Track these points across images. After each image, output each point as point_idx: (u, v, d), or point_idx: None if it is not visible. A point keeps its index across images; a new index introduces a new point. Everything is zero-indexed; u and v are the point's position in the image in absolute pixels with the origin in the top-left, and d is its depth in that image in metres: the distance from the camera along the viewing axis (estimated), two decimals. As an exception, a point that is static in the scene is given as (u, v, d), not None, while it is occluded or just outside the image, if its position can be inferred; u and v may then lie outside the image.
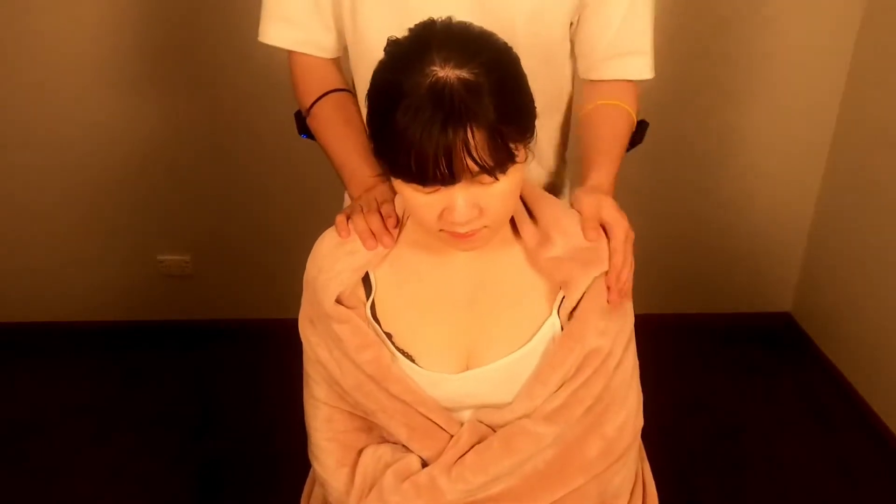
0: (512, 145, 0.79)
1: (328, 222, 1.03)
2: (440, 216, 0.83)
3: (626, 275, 0.94)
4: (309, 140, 1.21)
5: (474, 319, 0.95)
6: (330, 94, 1.16)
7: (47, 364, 2.43)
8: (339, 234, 0.96)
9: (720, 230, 2.44)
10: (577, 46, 1.17)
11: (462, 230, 0.83)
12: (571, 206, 0.99)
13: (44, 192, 2.36)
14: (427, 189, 0.80)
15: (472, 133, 0.76)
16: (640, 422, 1.00)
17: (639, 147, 1.20)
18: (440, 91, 0.76)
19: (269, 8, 1.15)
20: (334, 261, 0.96)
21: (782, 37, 2.18)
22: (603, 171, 1.07)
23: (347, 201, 1.19)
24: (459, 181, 0.78)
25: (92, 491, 1.90)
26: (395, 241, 0.96)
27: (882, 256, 2.08)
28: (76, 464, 1.99)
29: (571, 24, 1.15)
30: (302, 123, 1.21)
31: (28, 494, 1.90)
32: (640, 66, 1.16)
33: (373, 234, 0.95)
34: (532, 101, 0.84)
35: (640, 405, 1.00)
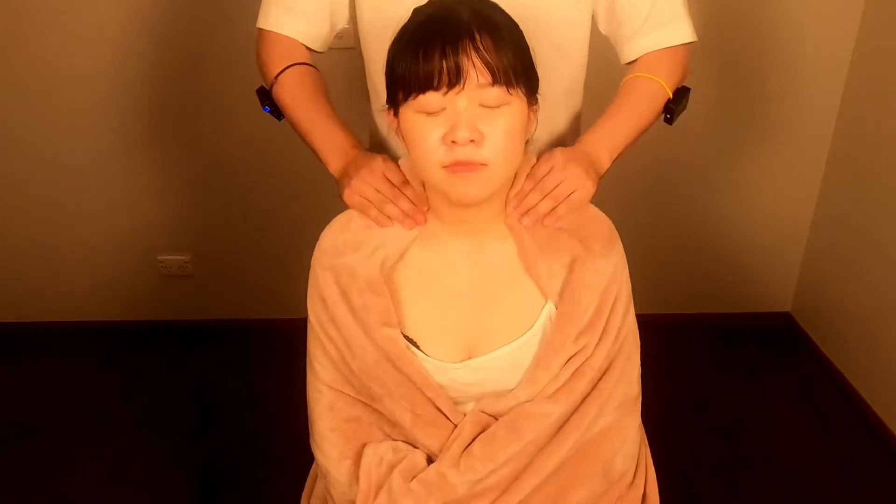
0: (518, 66, 0.85)
1: (326, 223, 1.03)
2: (442, 140, 0.84)
3: (532, 200, 0.97)
4: (273, 118, 1.21)
5: (475, 309, 0.97)
6: (299, 65, 1.17)
7: (47, 364, 2.43)
8: (383, 225, 0.98)
9: (720, 230, 2.45)
10: (614, 31, 1.18)
11: (462, 155, 0.84)
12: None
13: (42, 193, 2.37)
14: (433, 106, 0.83)
15: (481, 37, 0.83)
16: (638, 388, 1.02)
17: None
18: (450, 9, 0.85)
19: None
20: (372, 235, 0.98)
21: (782, 36, 2.18)
22: (598, 132, 1.09)
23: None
24: (465, 84, 0.82)
25: (92, 491, 1.90)
26: (427, 215, 0.98)
27: (882, 256, 2.08)
28: (76, 464, 1.99)
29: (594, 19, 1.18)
30: (264, 97, 1.21)
31: (28, 494, 1.90)
32: (676, 33, 1.14)
33: (407, 215, 0.98)
34: (535, 69, 0.90)
35: (638, 373, 1.02)
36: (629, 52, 1.17)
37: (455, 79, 0.82)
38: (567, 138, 1.24)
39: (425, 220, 0.98)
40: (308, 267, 1.01)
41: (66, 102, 2.24)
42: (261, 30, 1.20)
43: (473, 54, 0.82)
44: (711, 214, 2.42)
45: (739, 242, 2.46)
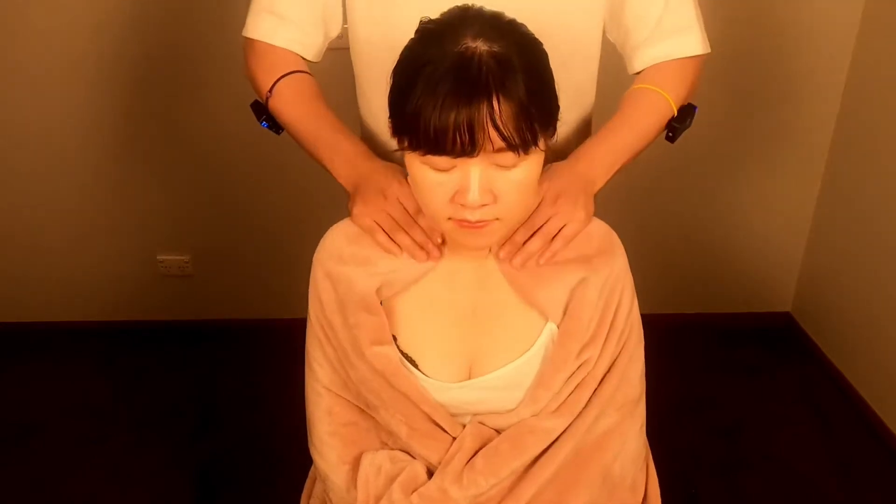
0: (537, 127, 0.77)
1: (326, 222, 1.02)
2: (452, 199, 0.80)
3: (521, 238, 0.93)
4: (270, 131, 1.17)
5: (476, 328, 0.95)
6: (293, 74, 1.11)
7: (47, 364, 2.43)
8: (391, 253, 0.94)
9: (720, 230, 2.45)
10: (621, 39, 1.13)
11: (473, 217, 0.80)
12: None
13: (43, 193, 2.36)
14: (443, 165, 0.77)
15: (499, 103, 0.74)
16: (641, 387, 1.00)
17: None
18: (469, 59, 0.75)
19: (259, 1, 1.13)
20: (384, 257, 0.94)
21: (782, 36, 2.18)
22: (597, 147, 1.04)
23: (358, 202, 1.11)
24: (479, 153, 0.75)
25: (92, 491, 1.90)
26: (441, 248, 0.94)
27: (882, 256, 2.08)
28: (76, 464, 1.99)
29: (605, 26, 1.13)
30: (260, 112, 1.16)
31: (28, 494, 1.90)
32: (686, 43, 1.09)
33: (419, 246, 0.94)
34: (556, 98, 0.82)
35: (641, 371, 1.00)
36: (637, 62, 1.12)
37: (469, 149, 0.74)
38: (573, 142, 1.23)
39: (440, 255, 0.94)
40: (308, 266, 1.00)
41: (65, 102, 2.24)
42: (249, 40, 1.14)
43: (489, 124, 0.74)
44: (711, 214, 2.42)
45: (739, 242, 2.46)
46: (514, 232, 0.93)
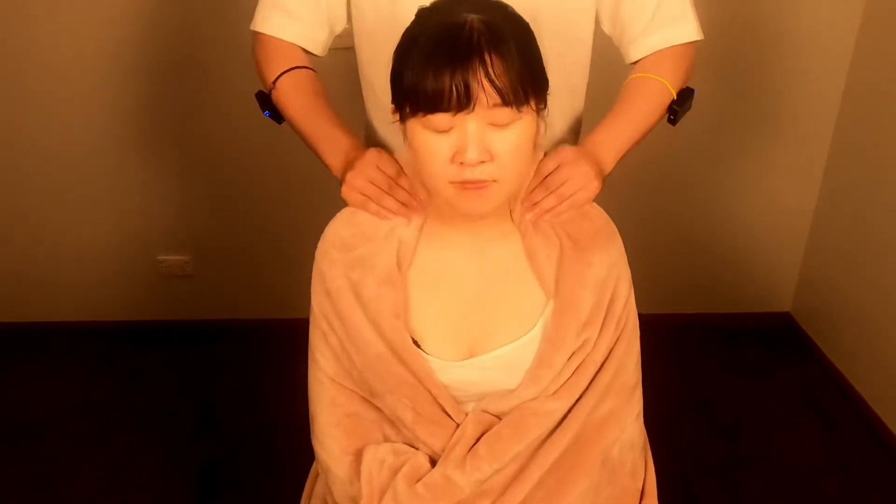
0: (529, 88, 0.82)
1: (326, 223, 1.02)
2: (452, 160, 0.84)
3: (537, 196, 0.98)
4: (272, 121, 1.21)
5: (478, 307, 0.96)
6: (297, 69, 1.16)
7: (47, 364, 2.43)
8: (383, 218, 0.98)
9: (720, 230, 2.45)
10: (618, 31, 1.17)
11: (472, 175, 0.84)
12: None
13: (42, 193, 2.37)
14: (442, 125, 0.82)
15: (492, 60, 0.80)
16: (637, 376, 1.01)
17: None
18: (461, 26, 0.81)
19: None
20: (381, 222, 0.98)
21: (783, 33, 2.18)
22: (601, 134, 1.09)
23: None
24: (475, 107, 0.80)
25: (92, 491, 1.90)
26: (423, 204, 0.98)
27: (881, 256, 2.08)
28: (76, 464, 1.99)
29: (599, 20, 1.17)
30: (264, 102, 1.21)
31: (28, 494, 1.90)
32: (682, 31, 1.14)
33: (405, 206, 0.98)
34: (545, 71, 0.87)
35: (637, 360, 1.01)
36: (635, 52, 1.16)
37: (465, 102, 0.80)
38: (566, 141, 1.24)
39: (422, 208, 0.98)
40: (309, 266, 1.01)
41: (65, 102, 2.24)
42: (257, 33, 1.19)
43: (483, 77, 0.80)
44: (711, 214, 2.42)
45: (739, 242, 2.46)
46: (532, 190, 0.98)
